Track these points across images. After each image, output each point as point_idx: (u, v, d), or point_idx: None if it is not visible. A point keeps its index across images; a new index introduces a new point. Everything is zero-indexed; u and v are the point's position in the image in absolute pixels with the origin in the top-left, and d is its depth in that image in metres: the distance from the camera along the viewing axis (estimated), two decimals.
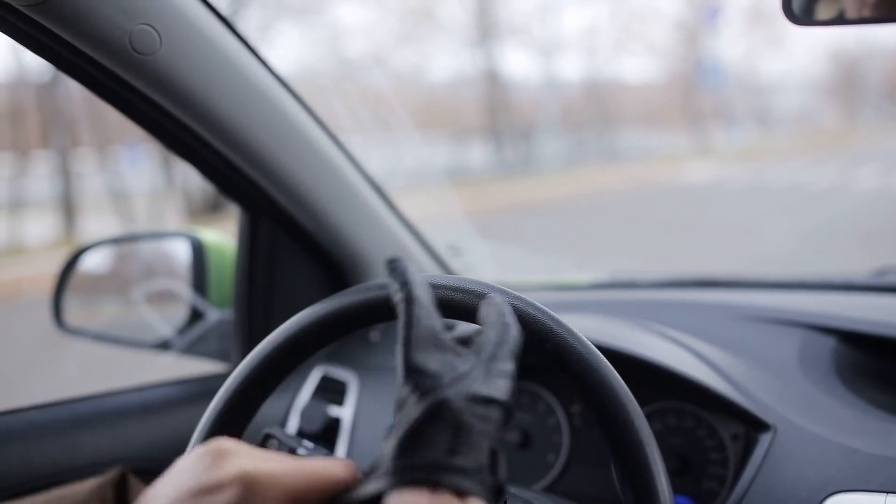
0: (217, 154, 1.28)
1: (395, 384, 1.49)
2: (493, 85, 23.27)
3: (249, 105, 1.23)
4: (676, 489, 1.20)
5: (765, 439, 1.14)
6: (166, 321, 1.77)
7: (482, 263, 2.13)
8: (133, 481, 1.33)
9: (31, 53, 1.08)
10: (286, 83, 1.32)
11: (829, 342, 1.31)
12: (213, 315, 1.75)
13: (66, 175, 13.05)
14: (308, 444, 1.10)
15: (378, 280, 0.89)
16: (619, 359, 0.83)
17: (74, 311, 1.77)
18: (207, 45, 1.15)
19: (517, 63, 39.76)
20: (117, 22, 1.02)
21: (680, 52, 30.39)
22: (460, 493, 0.54)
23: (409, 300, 0.67)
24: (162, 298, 1.88)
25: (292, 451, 1.08)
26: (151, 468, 1.37)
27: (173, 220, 13.65)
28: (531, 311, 0.79)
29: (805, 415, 1.16)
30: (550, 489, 1.32)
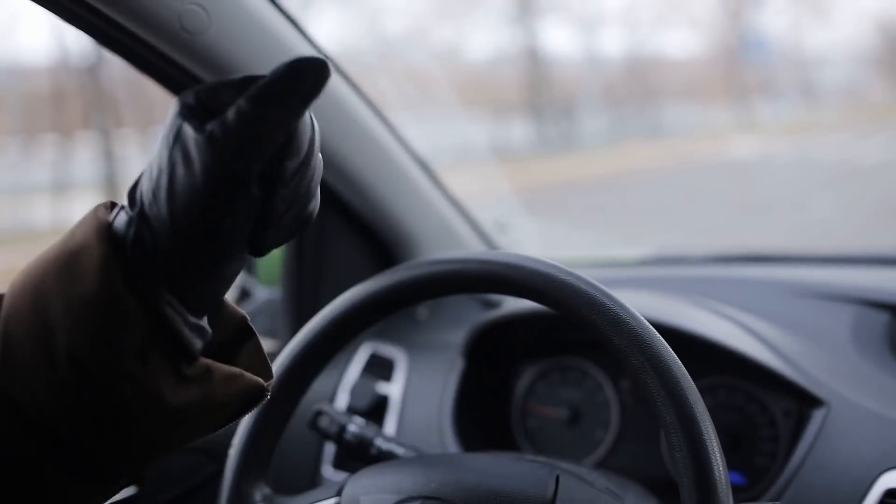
0: None
1: (444, 361, 1.48)
2: (534, 61, 23.13)
3: None
4: (727, 465, 1.20)
5: (818, 415, 1.13)
6: None
7: (529, 240, 2.12)
8: None
9: (78, 33, 1.09)
10: (332, 60, 1.32)
11: (883, 317, 1.30)
12: (262, 293, 1.76)
13: (109, 156, 13.17)
14: (358, 419, 1.11)
15: (427, 257, 0.90)
16: (670, 334, 0.82)
17: None
18: (254, 23, 1.16)
19: (558, 39, 39.45)
20: (167, 2, 1.03)
21: (723, 25, 29.99)
22: None
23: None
24: None
25: (343, 427, 1.09)
26: (197, 447, 1.37)
27: None
28: (583, 286, 0.78)
29: (859, 390, 1.15)
30: (601, 465, 1.31)
